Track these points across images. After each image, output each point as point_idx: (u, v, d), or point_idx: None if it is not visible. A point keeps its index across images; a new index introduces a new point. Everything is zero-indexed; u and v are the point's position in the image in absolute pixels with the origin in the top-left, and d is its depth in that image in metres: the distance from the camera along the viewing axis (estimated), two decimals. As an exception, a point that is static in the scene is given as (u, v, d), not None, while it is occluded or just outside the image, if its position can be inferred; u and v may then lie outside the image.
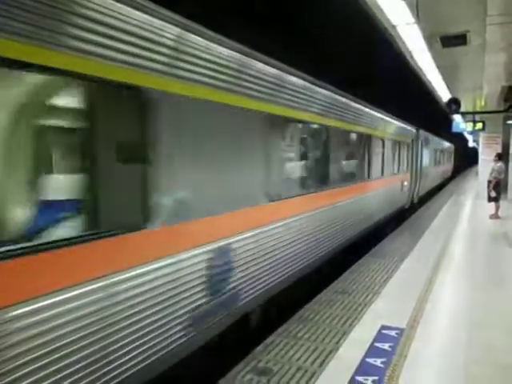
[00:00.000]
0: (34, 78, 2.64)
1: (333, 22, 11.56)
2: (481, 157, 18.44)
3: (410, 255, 8.25)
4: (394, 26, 6.57)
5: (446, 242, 9.48)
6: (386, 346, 4.39)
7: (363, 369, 3.94)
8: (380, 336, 4.62)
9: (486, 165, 17.70)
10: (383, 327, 4.82)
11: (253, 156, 4.69)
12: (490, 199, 12.99)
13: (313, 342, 4.55)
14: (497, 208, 12.78)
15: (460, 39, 7.36)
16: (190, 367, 3.96)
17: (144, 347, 3.17)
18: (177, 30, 3.51)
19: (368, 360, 4.11)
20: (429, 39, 7.33)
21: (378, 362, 4.07)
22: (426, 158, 17.52)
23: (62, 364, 2.58)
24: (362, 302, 5.67)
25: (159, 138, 3.30)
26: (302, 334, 4.73)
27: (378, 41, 9.28)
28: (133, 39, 3.07)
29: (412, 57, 8.59)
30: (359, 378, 3.78)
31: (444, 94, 12.99)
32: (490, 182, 13.13)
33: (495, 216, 12.70)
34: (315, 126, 6.57)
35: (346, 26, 11.54)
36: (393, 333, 4.69)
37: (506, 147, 16.69)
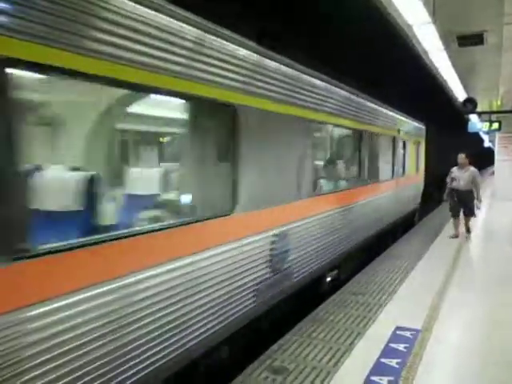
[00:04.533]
0: None
1: (346, 21, 11.46)
2: (497, 157, 18.19)
3: (426, 256, 8.19)
4: (409, 26, 6.54)
5: (462, 242, 9.38)
6: (401, 346, 4.38)
7: (378, 369, 3.94)
8: (395, 337, 4.61)
9: (502, 165, 17.54)
10: (398, 328, 4.81)
11: None
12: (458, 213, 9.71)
13: (327, 341, 4.56)
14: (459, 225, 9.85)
15: (476, 38, 7.31)
16: (206, 365, 4.00)
17: None
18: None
19: (383, 360, 4.11)
20: (445, 39, 7.28)
21: (394, 362, 4.06)
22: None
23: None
24: (377, 303, 5.65)
25: None
26: (317, 334, 4.74)
27: (393, 40, 9.22)
28: None
29: (428, 56, 8.54)
30: (374, 378, 3.77)
31: (460, 94, 12.86)
32: (455, 190, 9.55)
33: (456, 235, 9.76)
34: None
35: (360, 24, 11.46)
36: (408, 334, 4.68)
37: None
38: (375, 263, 7.80)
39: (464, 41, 7.33)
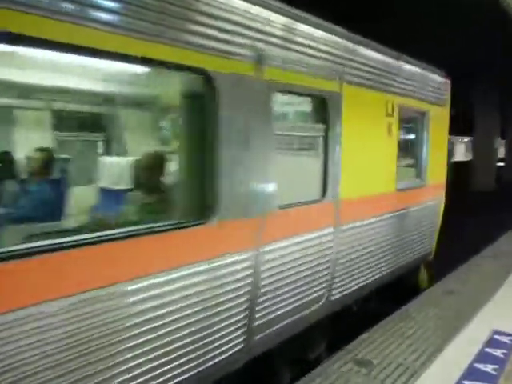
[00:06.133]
0: None
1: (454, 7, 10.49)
2: None
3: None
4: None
5: None
6: (498, 352, 4.08)
7: (472, 374, 3.71)
8: (492, 341, 4.29)
9: None
10: (496, 332, 4.47)
11: None
12: None
13: (415, 340, 4.38)
14: None
15: None
16: (284, 354, 4.03)
17: None
18: None
19: (477, 365, 3.85)
20: None
21: (489, 368, 3.79)
22: None
23: None
24: (472, 304, 5.29)
25: None
26: (403, 331, 4.58)
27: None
28: None
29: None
30: (467, 383, 3.56)
31: None
32: None
33: None
34: None
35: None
36: (506, 339, 4.33)
37: None
38: (471, 262, 7.29)
39: None
